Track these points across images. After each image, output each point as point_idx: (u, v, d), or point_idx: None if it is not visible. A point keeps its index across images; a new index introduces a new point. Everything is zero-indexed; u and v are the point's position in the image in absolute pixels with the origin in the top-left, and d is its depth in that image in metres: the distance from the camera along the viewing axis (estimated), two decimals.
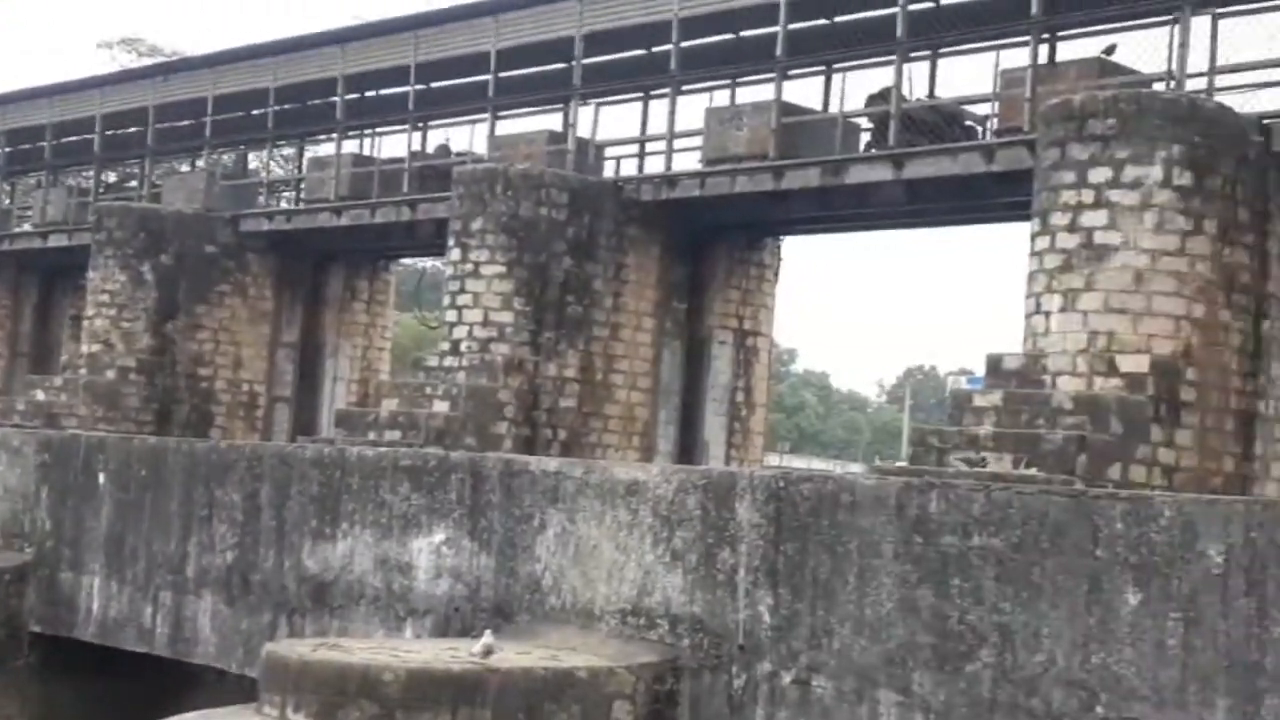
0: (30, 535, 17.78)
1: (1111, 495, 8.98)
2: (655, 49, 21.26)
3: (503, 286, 19.18)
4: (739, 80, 21.10)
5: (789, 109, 19.01)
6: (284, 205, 26.79)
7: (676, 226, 20.43)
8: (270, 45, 25.79)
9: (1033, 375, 13.99)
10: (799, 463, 53.38)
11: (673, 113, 20.12)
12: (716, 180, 19.13)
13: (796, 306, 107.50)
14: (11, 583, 17.47)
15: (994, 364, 14.35)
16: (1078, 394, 13.50)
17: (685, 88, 20.73)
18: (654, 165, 21.14)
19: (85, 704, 17.15)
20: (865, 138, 18.80)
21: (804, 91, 20.20)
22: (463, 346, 19.21)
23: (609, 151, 22.19)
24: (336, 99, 24.38)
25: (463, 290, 19.39)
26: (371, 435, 17.93)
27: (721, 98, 21.04)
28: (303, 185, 26.50)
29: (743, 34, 20.56)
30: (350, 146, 25.55)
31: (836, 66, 20.07)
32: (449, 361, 19.25)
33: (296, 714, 9.94)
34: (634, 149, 22.25)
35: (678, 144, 20.20)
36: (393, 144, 26.11)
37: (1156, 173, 13.81)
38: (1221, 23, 15.23)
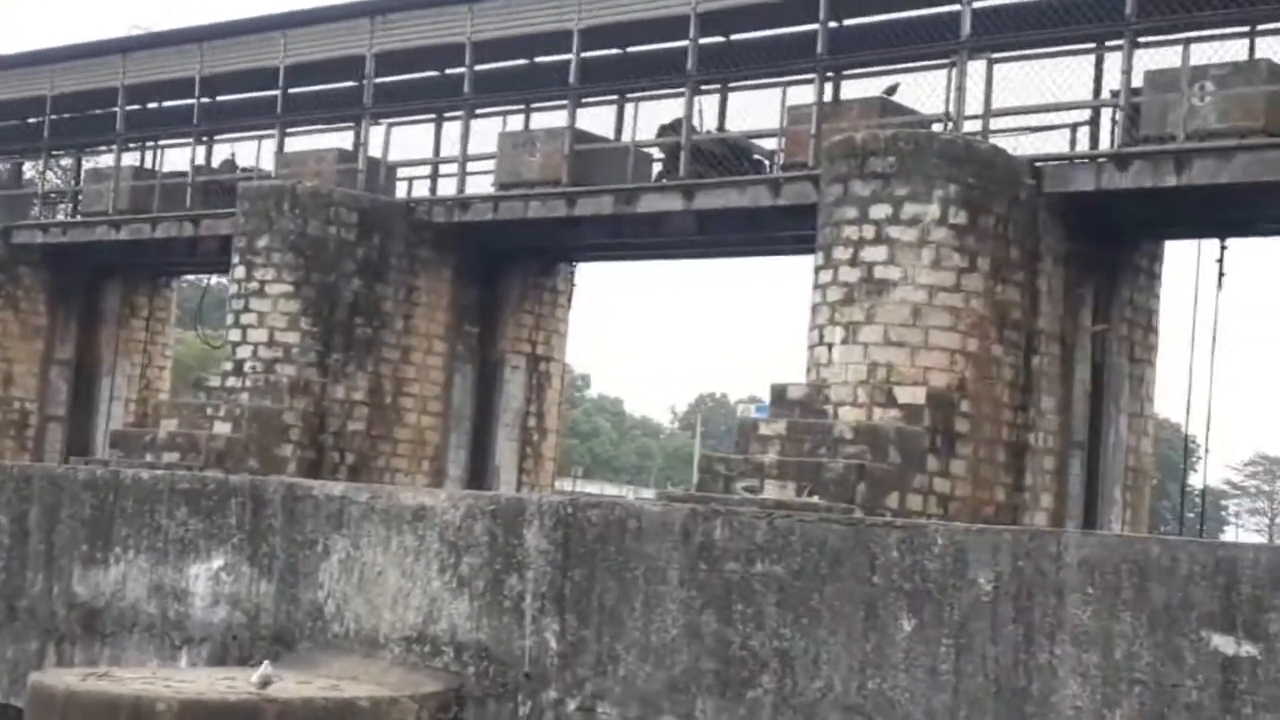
0: None
1: (888, 524, 9.20)
2: (449, 71, 21.20)
3: (289, 306, 18.85)
4: (533, 105, 21.16)
5: (582, 136, 19.14)
6: (60, 217, 25.90)
7: (469, 250, 20.36)
8: (48, 52, 24.99)
9: (815, 405, 14.30)
10: (592, 488, 53.62)
11: (466, 135, 20.08)
12: (509, 204, 19.14)
13: (591, 332, 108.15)
14: None
15: (779, 394, 14.63)
16: (858, 424, 13.86)
17: (479, 111, 20.71)
18: (447, 188, 21.07)
19: None
20: (657, 168, 19.04)
21: (597, 119, 20.41)
22: (246, 367, 18.82)
23: (401, 172, 22.01)
24: (117, 109, 23.66)
25: (247, 309, 18.99)
26: (149, 457, 17.42)
27: (515, 122, 21.08)
28: (80, 197, 25.63)
29: (537, 60, 20.64)
30: (131, 159, 24.85)
31: (629, 96, 20.29)
32: (232, 382, 18.83)
33: None
34: (426, 170, 22.13)
35: (471, 167, 20.18)
36: (176, 157, 25.46)
37: (934, 211, 14.30)
38: (996, 68, 15.83)
